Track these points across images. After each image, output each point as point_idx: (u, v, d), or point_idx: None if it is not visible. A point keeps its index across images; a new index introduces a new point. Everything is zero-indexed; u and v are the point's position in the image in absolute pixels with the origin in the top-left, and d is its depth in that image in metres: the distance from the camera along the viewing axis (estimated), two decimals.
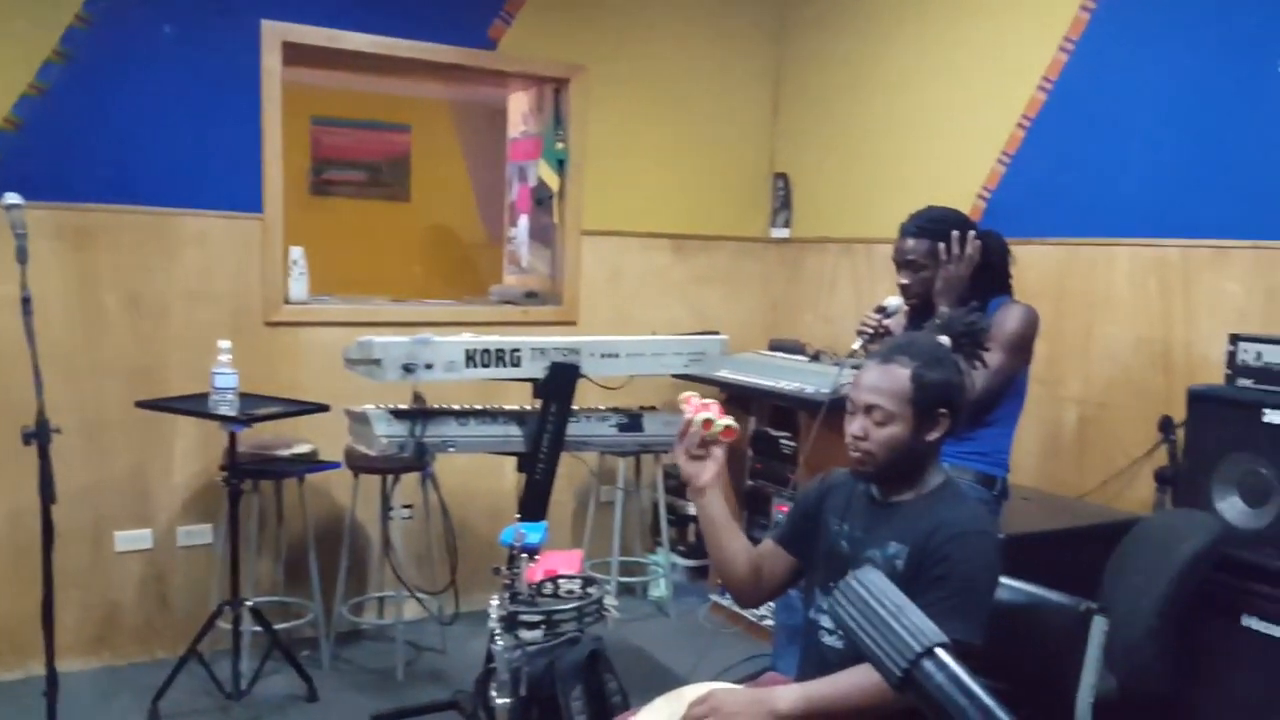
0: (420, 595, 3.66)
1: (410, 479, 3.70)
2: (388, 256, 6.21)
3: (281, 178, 3.74)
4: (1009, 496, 2.94)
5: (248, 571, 3.51)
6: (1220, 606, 2.53)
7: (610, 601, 2.03)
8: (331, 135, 6.33)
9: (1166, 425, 3.22)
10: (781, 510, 3.99)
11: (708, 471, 2.05)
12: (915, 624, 0.96)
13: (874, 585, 1.01)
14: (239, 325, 3.66)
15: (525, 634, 1.89)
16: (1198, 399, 2.68)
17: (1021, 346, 2.81)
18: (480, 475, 4.10)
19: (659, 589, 4.46)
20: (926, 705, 0.93)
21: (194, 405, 3.14)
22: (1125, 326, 3.41)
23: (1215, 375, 2.98)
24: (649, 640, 3.95)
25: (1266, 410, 2.48)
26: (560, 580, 2.07)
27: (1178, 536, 2.43)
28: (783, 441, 4.14)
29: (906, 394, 1.89)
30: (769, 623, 4.04)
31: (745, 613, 4.13)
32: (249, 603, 3.27)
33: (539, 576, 2.04)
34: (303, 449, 3.56)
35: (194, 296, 3.68)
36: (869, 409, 1.92)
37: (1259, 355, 2.58)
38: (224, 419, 3.03)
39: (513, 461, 3.92)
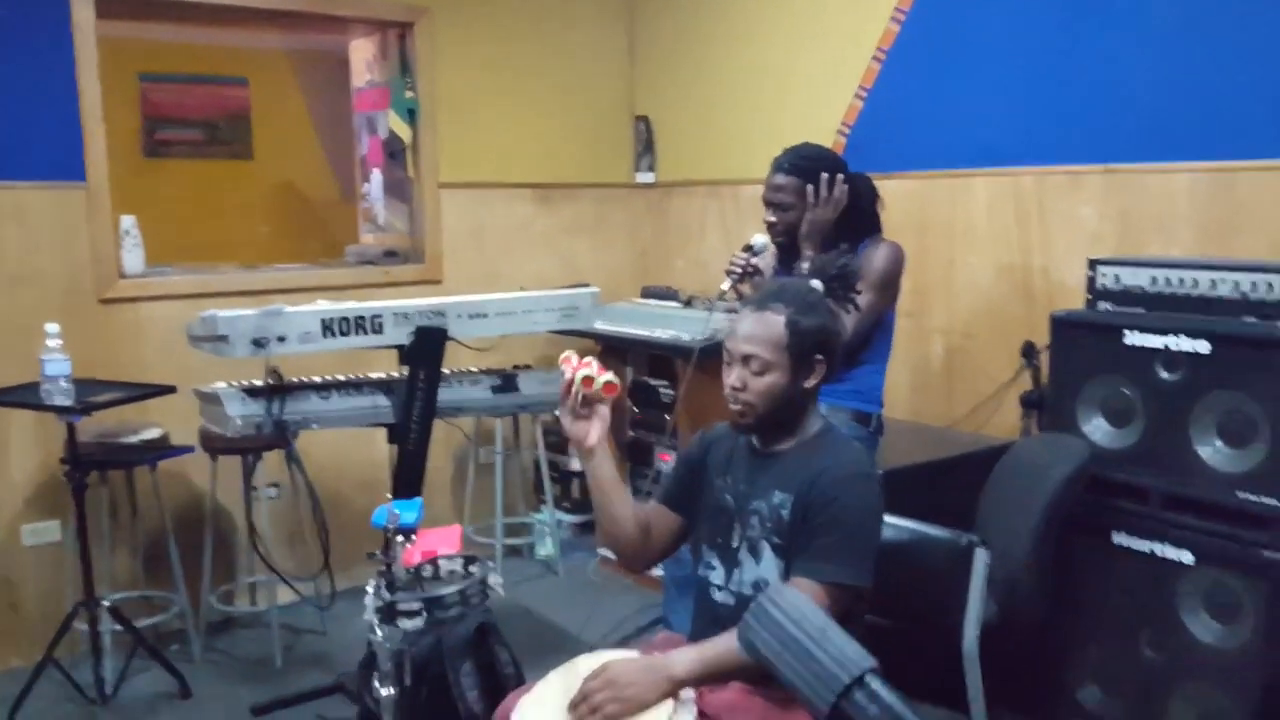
0: (293, 580, 3.49)
1: (274, 456, 3.51)
2: (232, 219, 5.85)
3: (105, 141, 3.44)
4: (884, 431, 2.97)
5: (103, 568, 3.29)
6: (1090, 527, 2.60)
7: (495, 580, 1.94)
8: (162, 92, 5.89)
9: (1029, 351, 3.30)
10: (664, 459, 3.96)
11: (594, 431, 1.98)
12: (840, 651, 0.89)
13: (791, 608, 0.94)
14: (70, 306, 3.38)
15: (405, 623, 1.79)
16: (1060, 324, 2.73)
17: (888, 284, 2.82)
18: (351, 446, 3.94)
19: (546, 547, 4.40)
20: None
21: (24, 396, 2.88)
22: (986, 256, 3.47)
23: (1074, 300, 3.05)
24: (539, 600, 3.89)
25: (1127, 332, 2.54)
26: (440, 561, 1.97)
27: (1048, 462, 2.48)
28: (662, 390, 4.10)
29: (782, 342, 1.85)
30: (659, 573, 4.02)
31: None
32: (106, 601, 3.06)
33: (416, 559, 1.94)
34: (152, 434, 3.33)
35: (15, 279, 3.37)
36: (746, 359, 1.87)
37: (1117, 279, 2.63)
38: (58, 409, 2.79)
39: (383, 431, 3.78)
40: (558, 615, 3.77)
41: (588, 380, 1.97)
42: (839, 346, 1.95)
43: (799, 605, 0.91)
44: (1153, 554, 2.51)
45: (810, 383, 1.90)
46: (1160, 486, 2.51)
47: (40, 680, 3.02)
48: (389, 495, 2.00)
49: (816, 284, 1.96)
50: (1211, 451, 2.44)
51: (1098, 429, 2.67)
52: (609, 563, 4.28)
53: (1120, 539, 2.57)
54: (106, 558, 3.40)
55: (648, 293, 4.51)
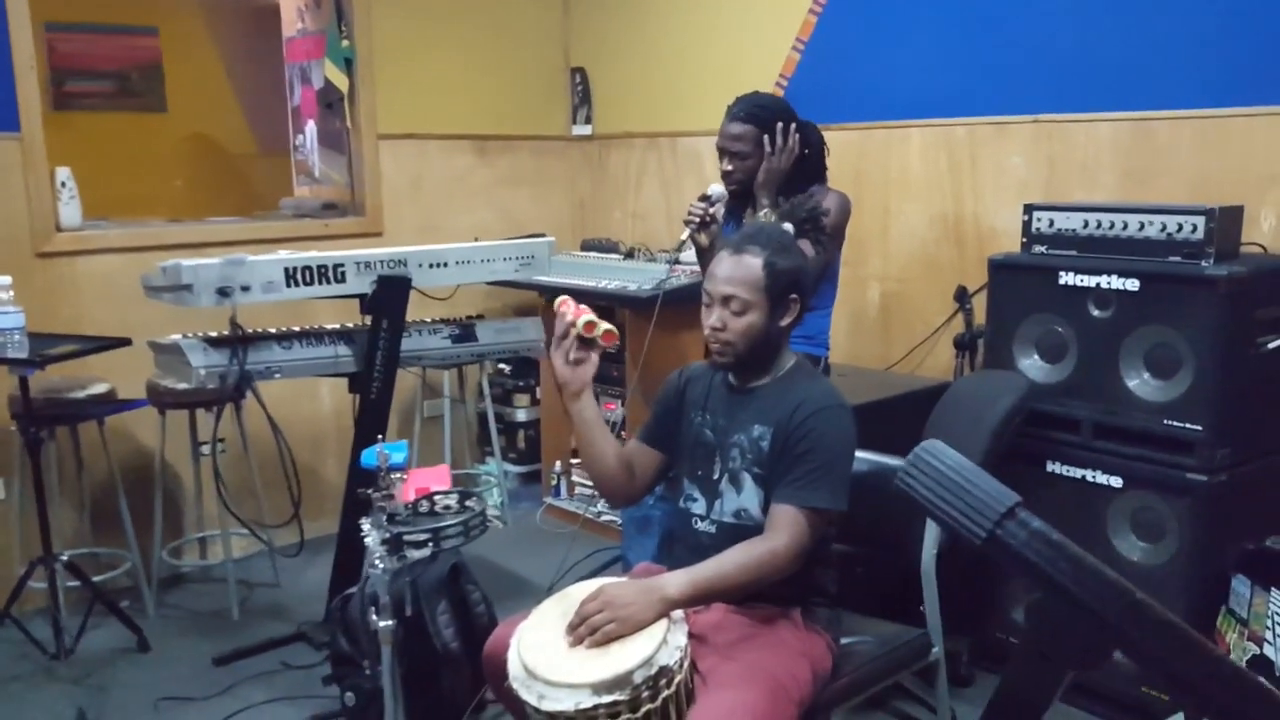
0: (258, 530, 3.48)
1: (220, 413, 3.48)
2: (147, 174, 5.67)
3: (39, 90, 3.34)
4: (830, 375, 3.10)
5: (54, 525, 3.23)
6: (1028, 457, 2.78)
7: (493, 512, 2.01)
8: (69, 42, 5.65)
9: (962, 295, 3.47)
10: (609, 409, 4.04)
11: (586, 374, 2.04)
12: (991, 488, 1.00)
13: (945, 456, 1.05)
14: (6, 260, 3.27)
15: (413, 553, 1.84)
16: (998, 267, 2.89)
17: (836, 233, 2.93)
18: (295, 402, 3.92)
19: (493, 498, 4.45)
20: (1013, 563, 0.98)
21: None
22: (920, 204, 3.62)
23: (1004, 245, 3.23)
24: (492, 550, 3.95)
25: (1062, 273, 2.71)
26: (436, 497, 2.03)
27: (990, 396, 2.64)
28: None
29: (760, 282, 1.95)
30: (606, 518, 4.13)
31: (580, 511, 4.21)
32: (63, 557, 3.02)
33: (411, 496, 1.99)
34: (99, 389, 3.28)
35: None
36: (726, 300, 1.96)
37: (1051, 222, 2.80)
38: (14, 362, 2.73)
39: (330, 385, 3.80)
40: (513, 562, 3.84)
41: (590, 325, 2.04)
42: (811, 286, 2.05)
43: (950, 454, 1.02)
44: (1084, 479, 2.71)
45: (785, 321, 2.00)
46: (1091, 417, 2.69)
47: None
48: (380, 437, 2.03)
49: (788, 227, 2.06)
50: (1139, 383, 2.63)
51: (1033, 365, 2.84)
52: (556, 510, 4.37)
53: (1054, 467, 2.76)
54: (55, 514, 3.35)
55: (587, 245, 4.56)
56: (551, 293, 4.15)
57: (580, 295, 4.06)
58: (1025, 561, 0.98)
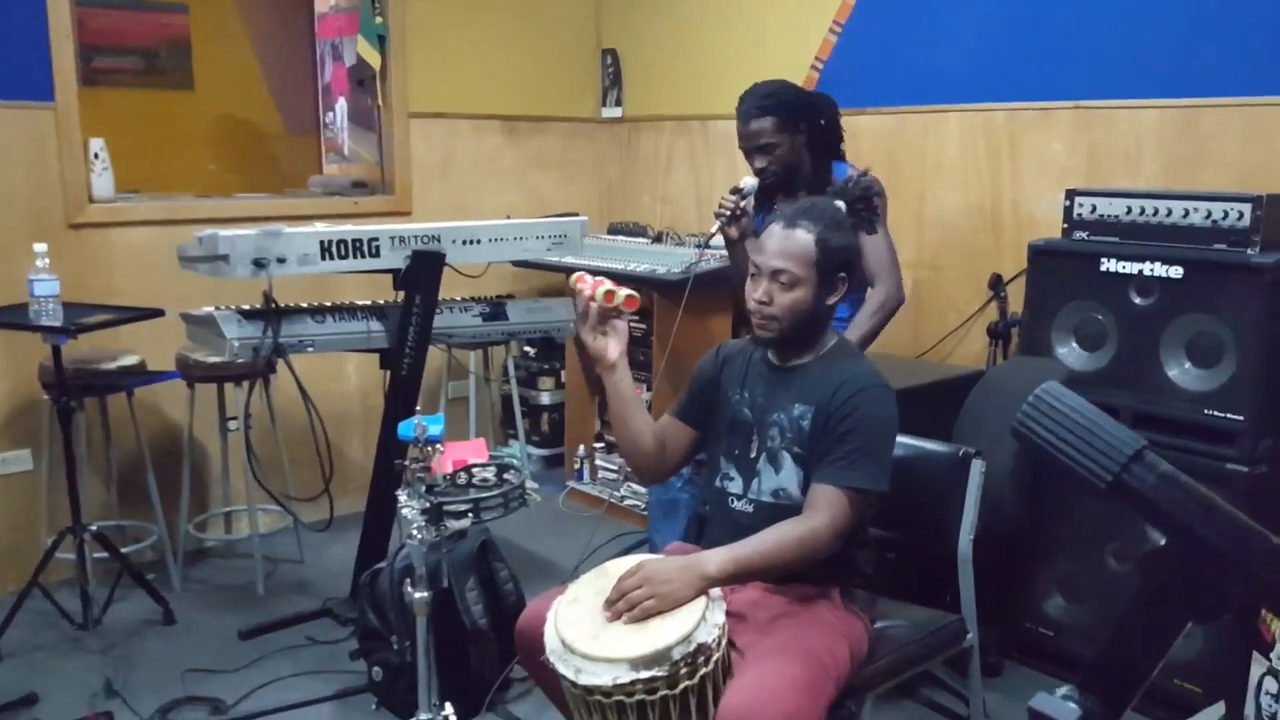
0: (275, 507, 3.48)
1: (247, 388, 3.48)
2: (175, 151, 5.67)
3: (74, 59, 3.33)
4: None
5: (81, 497, 3.24)
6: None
7: (531, 485, 1.99)
8: (98, 18, 5.63)
9: (997, 283, 3.42)
10: (638, 393, 4.01)
11: (616, 345, 2.03)
12: (1116, 432, 0.98)
13: (1067, 398, 1.03)
14: (39, 229, 3.28)
15: (453, 524, 1.83)
16: (1038, 253, 2.85)
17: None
18: (321, 381, 3.90)
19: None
20: (1140, 507, 0.96)
21: (10, 318, 2.81)
22: (956, 190, 3.58)
23: (1041, 232, 3.18)
24: (515, 532, 3.94)
25: (1103, 260, 2.67)
26: (474, 469, 2.02)
27: (1030, 382, 2.58)
28: (634, 325, 4.14)
29: (811, 258, 1.92)
30: (630, 503, 4.12)
31: (604, 495, 4.19)
32: (93, 528, 3.02)
33: (449, 468, 1.98)
34: (129, 360, 3.27)
35: None
36: (775, 273, 1.93)
37: (1093, 208, 2.76)
38: (49, 330, 2.73)
39: (356, 364, 3.80)
40: (537, 544, 3.83)
41: (609, 294, 2.02)
42: (858, 266, 2.02)
43: (1071, 397, 1.00)
44: None
45: (832, 300, 1.97)
46: (1130, 406, 2.65)
47: (19, 609, 2.99)
48: (418, 409, 2.02)
49: (840, 204, 2.03)
50: (1180, 372, 2.59)
51: (1071, 353, 2.81)
52: (578, 494, 4.35)
53: None
54: (82, 487, 3.35)
55: (615, 229, 4.54)
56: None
57: (608, 278, 4.09)
58: (1152, 506, 0.95)
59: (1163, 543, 0.99)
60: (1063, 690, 1.06)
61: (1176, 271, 2.55)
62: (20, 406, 3.37)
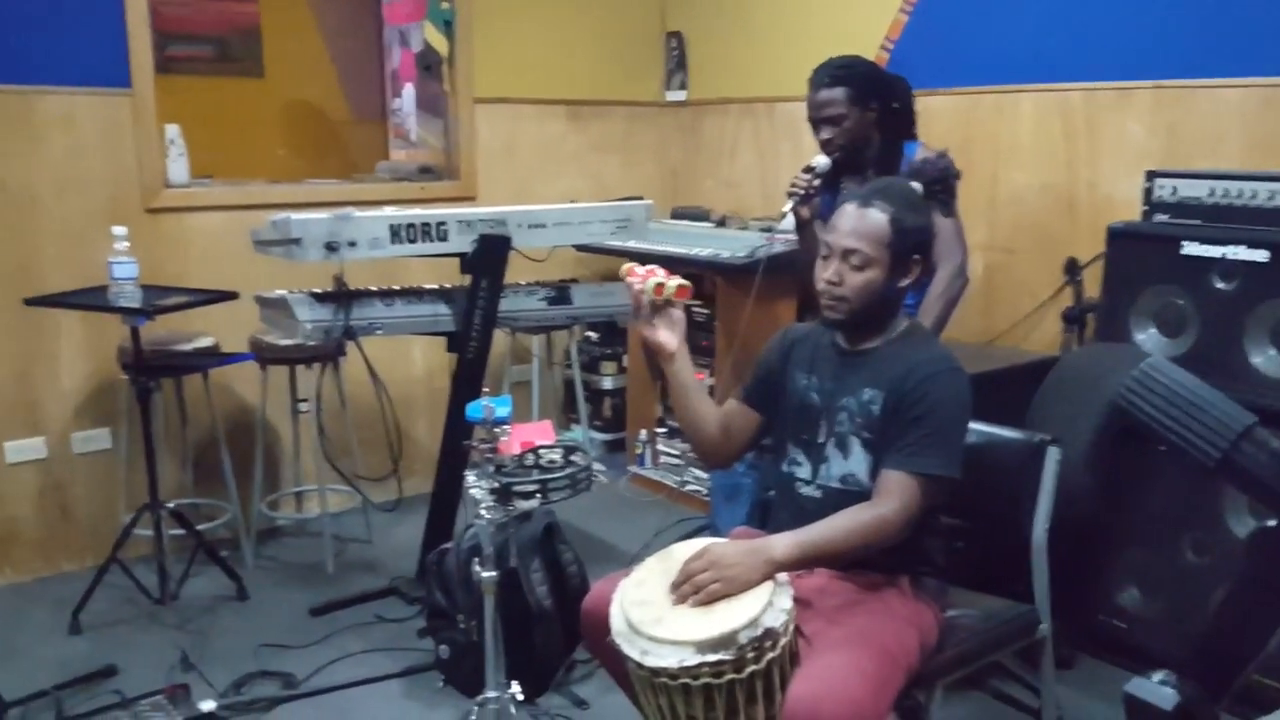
0: (346, 489, 3.54)
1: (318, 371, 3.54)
2: (245, 137, 5.78)
3: (150, 47, 3.40)
4: None
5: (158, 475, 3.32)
6: (1138, 431, 2.67)
7: (598, 468, 2.00)
8: (172, 6, 5.75)
9: (1072, 267, 3.34)
10: (699, 379, 4.00)
11: (674, 336, 2.01)
12: (1227, 407, 0.96)
13: (1174, 373, 1.00)
14: (117, 213, 3.35)
15: (522, 504, 1.84)
16: (1117, 236, 2.78)
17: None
18: (388, 364, 3.94)
19: None
20: (1248, 484, 0.93)
21: (90, 299, 2.89)
22: (1030, 172, 3.49)
23: (1120, 214, 3.08)
24: (577, 516, 3.95)
25: (1185, 243, 2.59)
26: (541, 451, 2.02)
27: (1108, 367, 2.53)
28: (696, 310, 4.13)
29: (885, 239, 1.88)
30: (691, 488, 4.11)
31: (666, 480, 4.19)
32: (170, 505, 3.10)
33: (516, 449, 1.99)
34: (204, 343, 3.35)
35: (64, 186, 3.36)
36: (847, 253, 1.90)
37: (1174, 190, 2.67)
38: (127, 311, 2.80)
39: (422, 348, 3.84)
40: (599, 529, 3.83)
41: (659, 287, 2.00)
42: (933, 250, 1.98)
43: (1180, 373, 0.97)
44: None
45: (904, 282, 1.94)
46: None
47: (98, 583, 3.08)
48: (486, 390, 2.03)
49: (917, 185, 1.99)
50: (1264, 359, 2.50)
51: (1150, 339, 2.73)
52: (640, 479, 4.35)
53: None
54: (159, 465, 3.44)
55: (678, 213, 4.51)
56: (643, 260, 4.11)
57: (671, 262, 4.00)
58: (1262, 484, 0.92)
59: (1272, 523, 0.95)
60: (1159, 675, 1.03)
61: (1262, 255, 2.46)
62: (100, 387, 3.47)
